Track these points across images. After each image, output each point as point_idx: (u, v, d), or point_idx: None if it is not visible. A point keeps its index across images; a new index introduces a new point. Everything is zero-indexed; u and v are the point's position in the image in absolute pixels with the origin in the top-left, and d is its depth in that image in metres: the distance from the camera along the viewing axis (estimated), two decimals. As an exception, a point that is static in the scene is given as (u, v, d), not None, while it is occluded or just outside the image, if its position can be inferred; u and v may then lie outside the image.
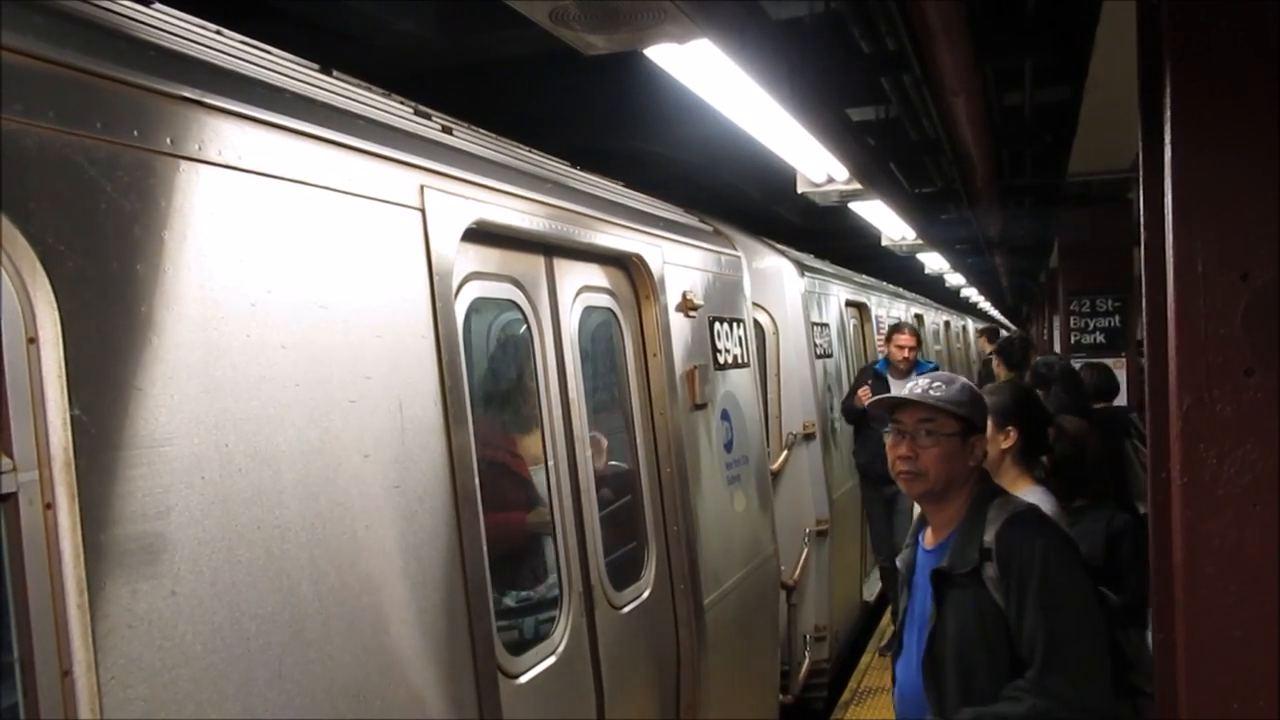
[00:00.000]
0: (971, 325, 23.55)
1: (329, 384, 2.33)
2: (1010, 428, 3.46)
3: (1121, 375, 9.56)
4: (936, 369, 8.48)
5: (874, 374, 8.00)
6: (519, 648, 3.30)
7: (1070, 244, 10.72)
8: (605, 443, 4.13)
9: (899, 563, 3.14)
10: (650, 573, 4.19)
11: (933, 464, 2.83)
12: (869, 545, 8.61)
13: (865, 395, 7.38)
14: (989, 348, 16.56)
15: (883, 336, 9.14)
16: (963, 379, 3.01)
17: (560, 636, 3.45)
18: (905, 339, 7.99)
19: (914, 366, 7.82)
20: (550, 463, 3.59)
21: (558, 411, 3.68)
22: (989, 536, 2.76)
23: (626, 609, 3.94)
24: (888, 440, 2.93)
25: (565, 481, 3.66)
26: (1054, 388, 6.53)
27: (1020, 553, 2.69)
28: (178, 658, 1.87)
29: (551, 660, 3.35)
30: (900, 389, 3.03)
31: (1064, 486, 3.80)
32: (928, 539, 2.99)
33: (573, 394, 3.77)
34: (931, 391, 2.85)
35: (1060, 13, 5.10)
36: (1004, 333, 17.77)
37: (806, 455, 7.39)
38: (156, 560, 1.85)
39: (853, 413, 7.83)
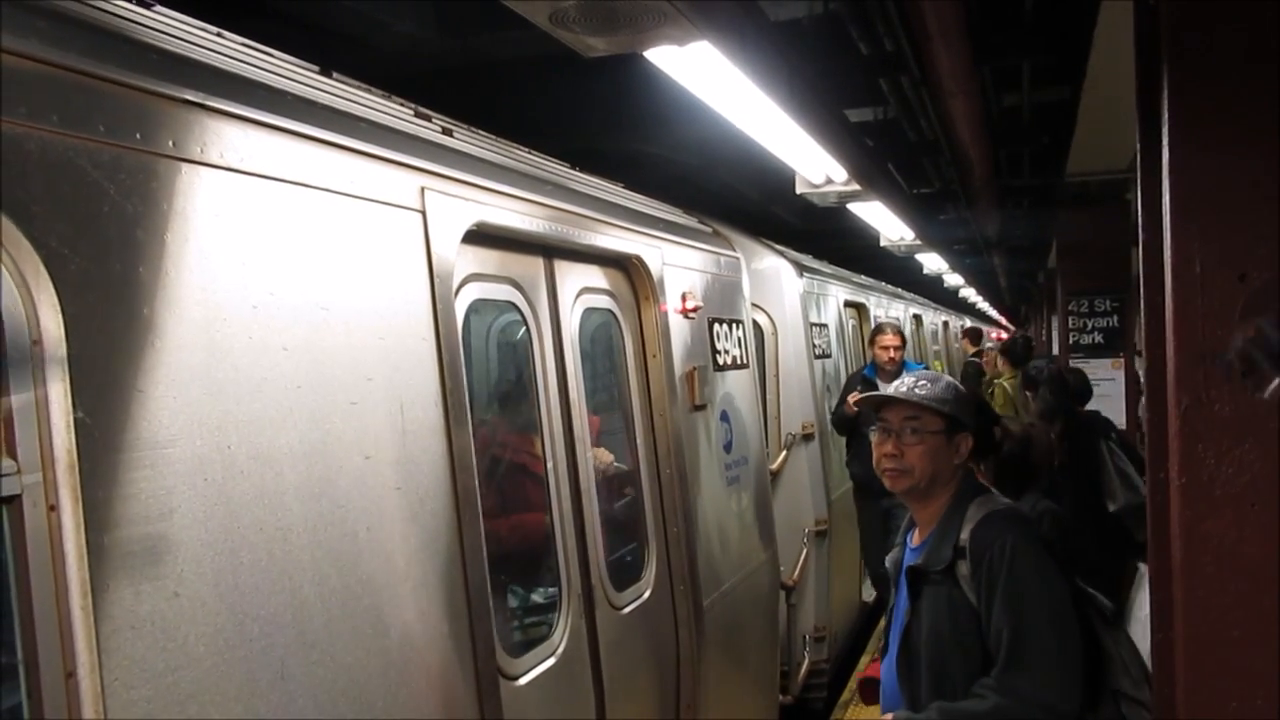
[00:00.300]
0: (970, 325, 23.57)
1: (331, 386, 2.33)
2: None
3: (1119, 375, 9.59)
4: (926, 369, 8.37)
5: (862, 380, 7.69)
6: (524, 648, 3.30)
7: (1068, 244, 10.72)
8: (610, 457, 4.14)
9: (888, 561, 3.16)
10: (650, 573, 4.20)
11: (917, 461, 2.85)
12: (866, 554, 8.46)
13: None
14: (971, 349, 16.60)
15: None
16: (948, 377, 3.05)
17: (560, 638, 3.45)
18: (889, 339, 7.70)
19: (902, 367, 7.58)
20: (549, 464, 3.59)
21: (558, 413, 3.68)
22: (965, 534, 2.78)
23: (627, 609, 3.95)
24: (873, 438, 2.95)
25: (565, 482, 3.67)
26: (1042, 389, 6.63)
27: (991, 549, 2.71)
28: (181, 659, 1.87)
29: (551, 661, 3.35)
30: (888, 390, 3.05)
31: (1010, 488, 3.83)
32: (914, 537, 3.02)
33: (573, 395, 3.78)
34: (916, 389, 2.89)
35: (1058, 13, 5.11)
36: (994, 333, 17.82)
37: (805, 456, 7.39)
38: (160, 562, 1.85)
39: (844, 422, 7.50)
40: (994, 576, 2.68)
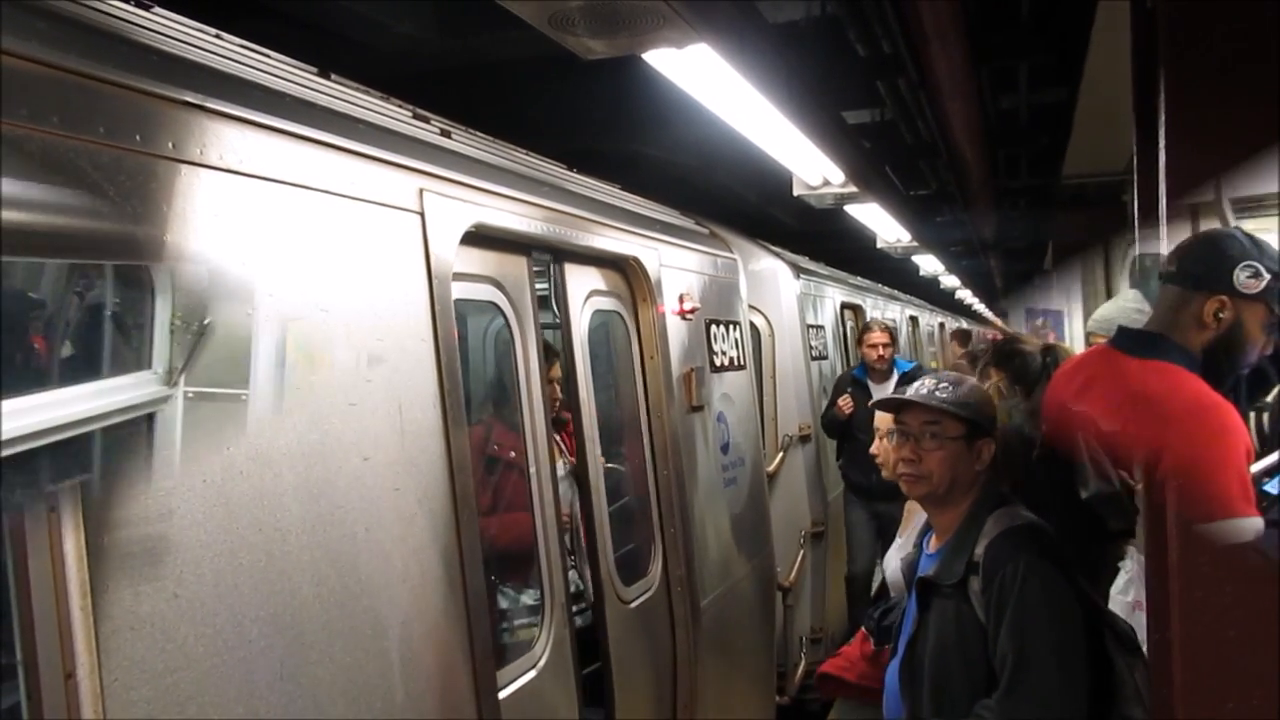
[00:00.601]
0: (967, 326, 23.58)
1: (329, 387, 2.34)
2: None
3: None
4: (918, 367, 8.25)
5: (852, 380, 7.49)
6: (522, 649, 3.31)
7: (1065, 246, 10.75)
8: (602, 459, 4.15)
9: (902, 563, 3.11)
10: (656, 569, 4.22)
11: (936, 467, 2.76)
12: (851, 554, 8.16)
13: (846, 405, 7.16)
14: (960, 351, 16.56)
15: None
16: (971, 379, 2.94)
17: (544, 645, 3.44)
18: (877, 337, 7.51)
19: (892, 365, 7.48)
20: (533, 468, 3.58)
21: (540, 414, 3.67)
22: (980, 549, 2.68)
23: (634, 603, 3.99)
24: (892, 441, 2.88)
25: (548, 483, 3.65)
26: (1039, 384, 6.62)
27: (1004, 570, 2.61)
28: (180, 660, 1.87)
29: (536, 670, 3.34)
30: (883, 392, 3.00)
31: None
32: (931, 542, 2.93)
33: (582, 394, 3.79)
34: (937, 393, 2.79)
35: (1056, 14, 5.13)
36: (989, 334, 17.82)
37: (802, 457, 7.37)
38: (159, 563, 1.86)
39: (835, 425, 7.36)
40: (1004, 599, 2.58)
